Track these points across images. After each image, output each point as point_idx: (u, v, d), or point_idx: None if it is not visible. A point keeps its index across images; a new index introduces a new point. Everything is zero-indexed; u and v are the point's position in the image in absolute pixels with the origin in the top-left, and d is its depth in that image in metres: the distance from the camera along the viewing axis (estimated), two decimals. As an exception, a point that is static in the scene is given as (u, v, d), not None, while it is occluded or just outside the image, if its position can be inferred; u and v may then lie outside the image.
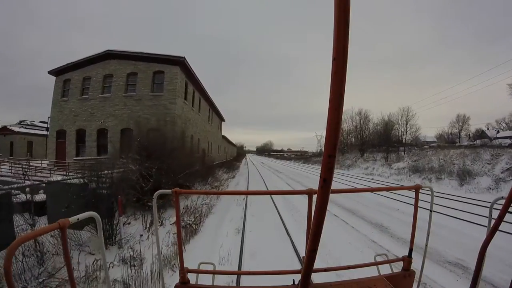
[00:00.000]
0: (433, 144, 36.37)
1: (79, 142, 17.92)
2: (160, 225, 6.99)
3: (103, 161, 12.11)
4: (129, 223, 6.87)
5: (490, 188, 16.15)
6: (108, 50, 17.41)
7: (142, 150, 7.99)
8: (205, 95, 24.70)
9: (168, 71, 16.26)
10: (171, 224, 6.95)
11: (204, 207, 8.70)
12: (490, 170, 18.92)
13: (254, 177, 25.48)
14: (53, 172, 12.87)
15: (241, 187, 17.09)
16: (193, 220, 6.71)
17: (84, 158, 15.03)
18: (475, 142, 31.51)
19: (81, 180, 6.35)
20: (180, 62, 16.35)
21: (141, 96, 16.28)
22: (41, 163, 15.78)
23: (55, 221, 1.02)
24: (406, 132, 33.15)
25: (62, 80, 19.86)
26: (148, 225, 6.52)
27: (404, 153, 30.50)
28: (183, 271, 1.62)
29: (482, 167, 19.98)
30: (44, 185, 7.19)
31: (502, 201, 1.22)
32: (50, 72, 20.78)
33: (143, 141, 8.38)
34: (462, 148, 25.20)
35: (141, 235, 6.35)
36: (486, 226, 1.62)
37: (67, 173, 11.78)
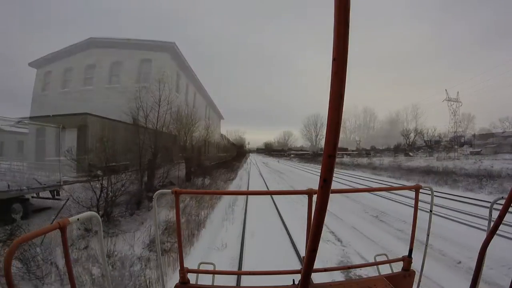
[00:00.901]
0: (443, 143, 34.63)
1: (59, 141, 16.09)
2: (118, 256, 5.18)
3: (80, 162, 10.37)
4: (86, 247, 5.07)
5: (517, 191, 14.54)
6: (91, 37, 15.60)
7: (110, 149, 6.22)
8: (201, 91, 22.93)
9: (156, 58, 14.33)
10: (143, 248, 5.14)
11: (192, 224, 6.76)
12: (513, 171, 17.44)
13: (255, 178, 23.69)
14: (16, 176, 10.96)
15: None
16: (169, 247, 4.81)
17: (55, 159, 13.20)
18: (488, 141, 29.85)
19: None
20: (169, 48, 14.44)
21: (125, 87, 14.38)
22: (10, 165, 13.96)
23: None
24: (416, 130, 31.42)
25: (43, 72, 18.18)
26: (105, 256, 4.71)
27: (414, 153, 28.78)
28: (183, 271, 1.59)
29: (501, 167, 18.60)
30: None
31: (502, 201, 1.20)
32: (31, 64, 19.14)
33: (114, 138, 6.62)
34: (475, 147, 23.65)
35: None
36: None
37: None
